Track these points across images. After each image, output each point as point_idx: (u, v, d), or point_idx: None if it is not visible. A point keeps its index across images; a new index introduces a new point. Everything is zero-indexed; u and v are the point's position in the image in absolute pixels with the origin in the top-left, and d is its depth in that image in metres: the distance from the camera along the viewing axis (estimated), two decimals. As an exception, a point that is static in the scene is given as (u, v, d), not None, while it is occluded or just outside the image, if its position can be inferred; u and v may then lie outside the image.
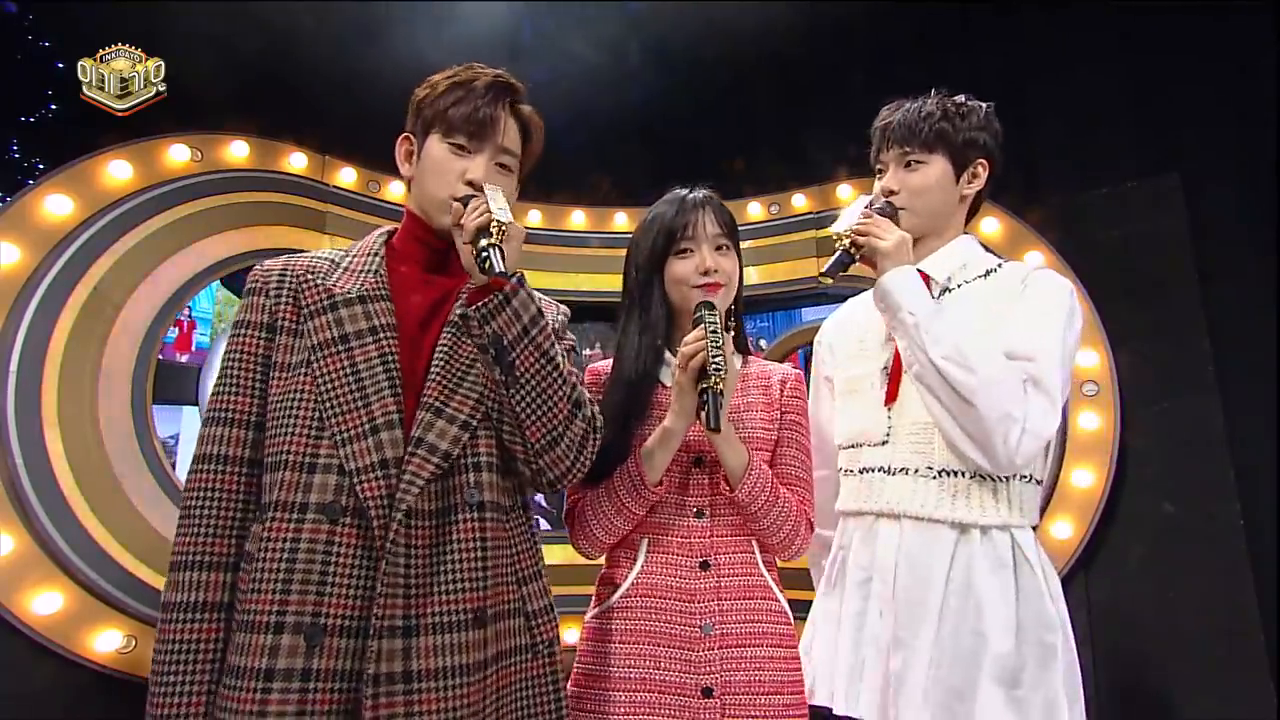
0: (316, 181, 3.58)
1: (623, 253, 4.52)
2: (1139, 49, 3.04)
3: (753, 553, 1.20)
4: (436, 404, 0.97)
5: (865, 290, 1.51)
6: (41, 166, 3.02)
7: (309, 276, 1.03)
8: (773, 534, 1.18)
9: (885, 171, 1.33)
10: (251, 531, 0.95)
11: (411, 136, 1.12)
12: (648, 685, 1.09)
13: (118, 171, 2.93)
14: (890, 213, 1.28)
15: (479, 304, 0.96)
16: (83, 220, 2.81)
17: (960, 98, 1.36)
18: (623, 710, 1.09)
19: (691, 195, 1.30)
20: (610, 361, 1.29)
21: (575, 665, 1.19)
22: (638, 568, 1.16)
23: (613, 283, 4.26)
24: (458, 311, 1.00)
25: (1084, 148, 3.15)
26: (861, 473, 1.26)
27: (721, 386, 1.07)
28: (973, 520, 1.14)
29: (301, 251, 1.15)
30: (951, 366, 1.10)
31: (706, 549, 1.17)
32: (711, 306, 1.20)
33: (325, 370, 0.96)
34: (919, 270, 1.24)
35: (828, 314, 4.33)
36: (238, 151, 3.30)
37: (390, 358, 0.98)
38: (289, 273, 1.03)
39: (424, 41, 3.74)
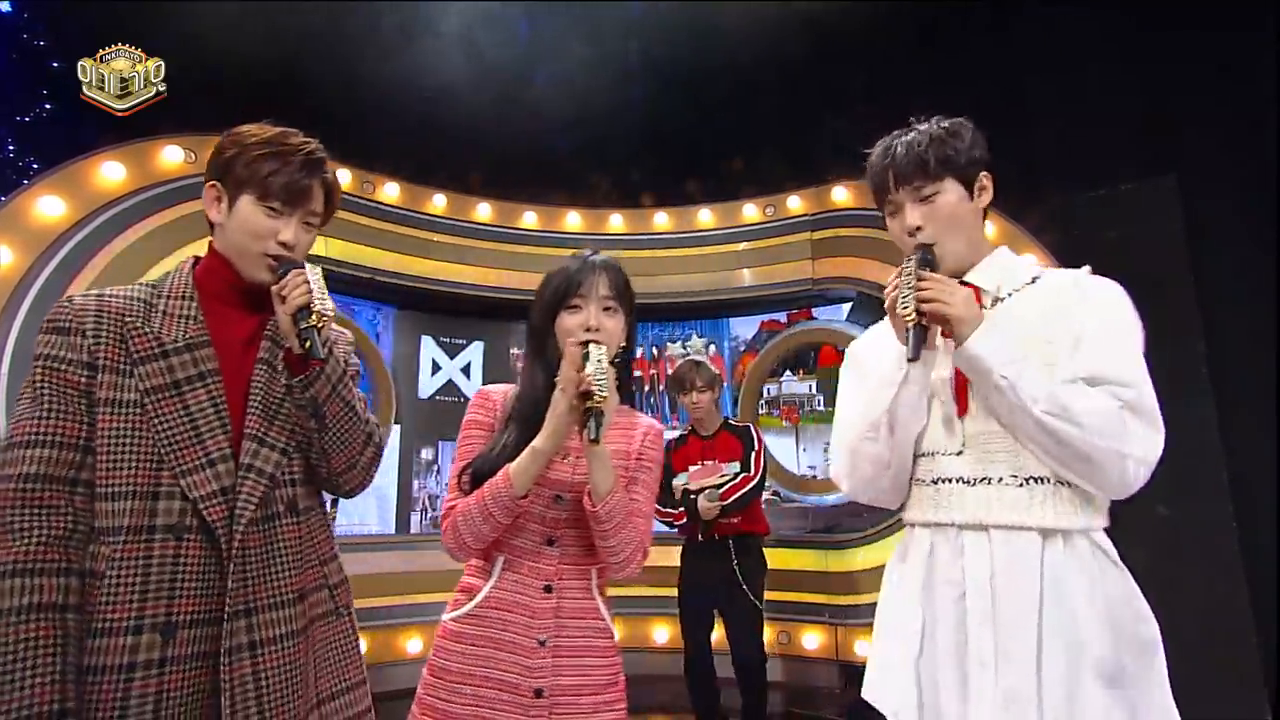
0: (311, 182, 3.56)
1: (616, 254, 4.52)
2: (1136, 52, 3.05)
3: (590, 580, 1.37)
4: (259, 435, 1.16)
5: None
6: (36, 166, 3.01)
7: (129, 320, 1.14)
8: (615, 553, 1.31)
9: (899, 212, 1.29)
10: (96, 552, 1.07)
11: (219, 186, 1.20)
12: (489, 683, 1.28)
13: (110, 173, 2.92)
14: (933, 261, 1.23)
15: (301, 377, 1.17)
16: (75, 222, 2.79)
17: (941, 120, 1.31)
18: (466, 702, 1.28)
19: (592, 258, 1.41)
20: (504, 387, 1.45)
21: (430, 658, 1.35)
22: (492, 583, 1.33)
23: (659, 284, 4.24)
24: (285, 383, 1.19)
25: (1081, 150, 3.16)
26: (936, 483, 1.24)
27: (603, 406, 1.23)
28: (1059, 526, 1.14)
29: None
30: (1056, 422, 1.10)
31: (552, 574, 1.34)
32: (599, 344, 1.32)
33: (161, 412, 1.11)
34: (969, 283, 1.24)
35: (819, 318, 4.30)
36: (232, 152, 3.28)
37: (219, 399, 1.15)
38: (105, 314, 1.13)
39: (421, 43, 3.73)
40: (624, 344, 1.39)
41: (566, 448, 1.32)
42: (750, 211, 4.18)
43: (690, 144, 4.12)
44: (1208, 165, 2.89)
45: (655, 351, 4.52)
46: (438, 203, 4.00)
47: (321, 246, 3.54)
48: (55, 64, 3.17)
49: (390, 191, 3.87)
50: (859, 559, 3.53)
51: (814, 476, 4.11)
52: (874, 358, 1.31)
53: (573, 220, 4.27)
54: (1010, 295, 1.26)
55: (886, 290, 1.21)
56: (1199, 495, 2.74)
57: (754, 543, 2.95)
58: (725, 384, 3.74)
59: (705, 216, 4.24)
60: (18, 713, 0.96)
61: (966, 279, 1.25)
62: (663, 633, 3.65)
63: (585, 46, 3.79)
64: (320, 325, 1.14)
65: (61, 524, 1.05)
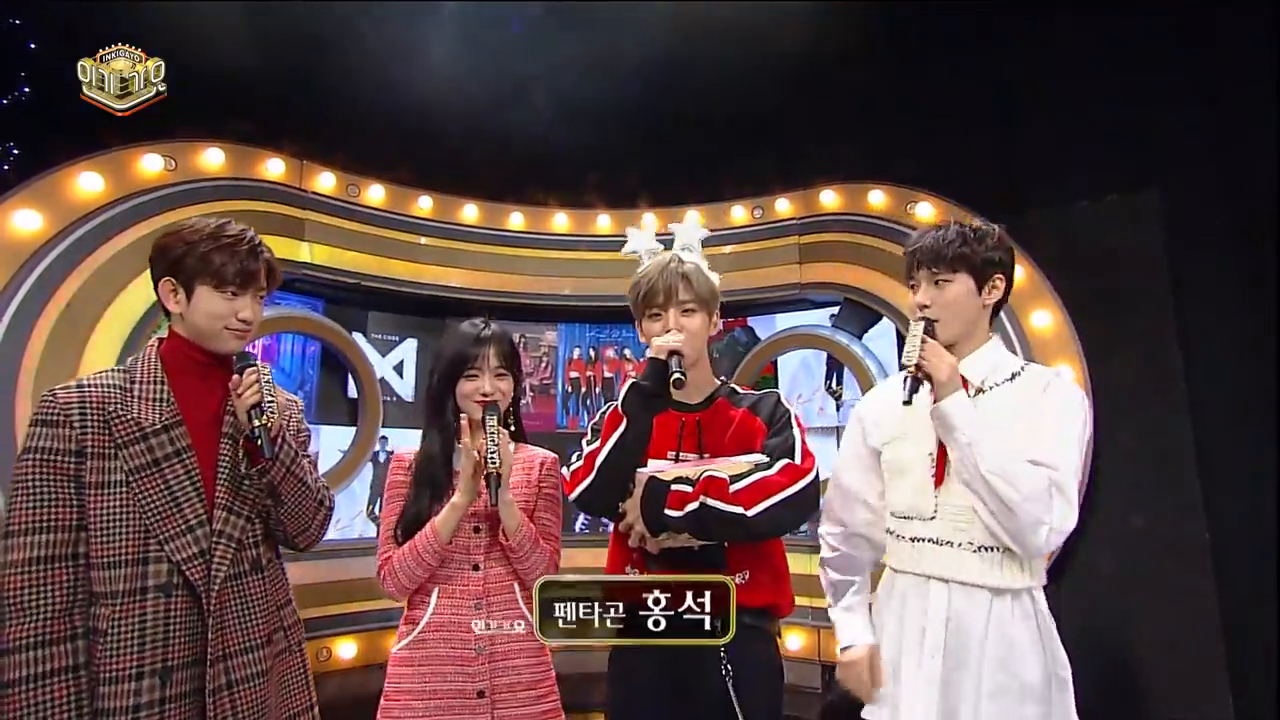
0: (294, 188, 3.51)
1: (606, 255, 4.48)
2: (1122, 67, 3.04)
3: (514, 592, 1.64)
4: (227, 504, 1.34)
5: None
6: (14, 156, 2.94)
7: (110, 407, 1.29)
8: (530, 572, 1.62)
9: (918, 287, 1.56)
10: (98, 613, 1.24)
11: (173, 280, 1.34)
12: (440, 694, 1.56)
13: (88, 184, 2.85)
14: (933, 332, 1.50)
15: (258, 468, 1.35)
16: (52, 235, 2.75)
17: (977, 223, 1.56)
18: (422, 714, 1.55)
19: (484, 332, 1.67)
20: (412, 449, 1.71)
21: (387, 683, 1.60)
22: (431, 609, 1.60)
23: (596, 286, 4.22)
24: (244, 472, 1.37)
25: (1065, 163, 3.17)
26: (913, 541, 1.53)
27: (498, 472, 1.52)
28: (1006, 585, 1.43)
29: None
30: (998, 481, 1.38)
31: (480, 593, 1.62)
32: (495, 410, 1.61)
33: (145, 488, 1.27)
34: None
35: (796, 320, 4.27)
36: (213, 159, 3.22)
37: (194, 473, 1.31)
38: (89, 404, 1.28)
39: (408, 43, 3.66)
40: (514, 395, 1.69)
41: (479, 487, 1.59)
42: (738, 213, 4.17)
43: (678, 146, 4.09)
44: (1189, 180, 2.92)
45: (593, 354, 4.51)
46: (423, 204, 3.96)
47: (307, 253, 3.51)
48: (32, 58, 3.09)
49: (376, 194, 3.83)
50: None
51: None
52: (877, 427, 1.63)
53: (560, 221, 4.25)
54: (992, 389, 1.51)
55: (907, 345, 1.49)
56: (1173, 508, 2.80)
57: (767, 630, 1.63)
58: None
59: (693, 218, 4.22)
60: None
61: (960, 369, 1.49)
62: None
63: (572, 48, 3.74)
64: (269, 424, 1.32)
65: (65, 597, 1.22)
